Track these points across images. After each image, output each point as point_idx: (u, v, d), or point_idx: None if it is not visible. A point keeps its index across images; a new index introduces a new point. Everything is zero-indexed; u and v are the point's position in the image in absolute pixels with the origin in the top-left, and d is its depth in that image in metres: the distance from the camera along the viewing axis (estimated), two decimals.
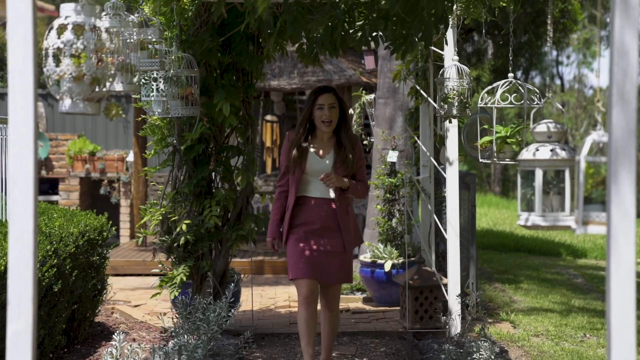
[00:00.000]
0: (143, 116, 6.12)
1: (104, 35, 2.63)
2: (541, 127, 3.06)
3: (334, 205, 4.77)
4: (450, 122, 5.89)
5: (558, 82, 31.05)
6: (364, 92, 10.09)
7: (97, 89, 2.65)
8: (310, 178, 4.77)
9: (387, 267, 7.19)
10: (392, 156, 7.49)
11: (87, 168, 11.52)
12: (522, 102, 3.59)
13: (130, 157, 11.32)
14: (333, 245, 4.76)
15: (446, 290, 6.08)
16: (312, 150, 4.78)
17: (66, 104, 2.64)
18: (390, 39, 4.27)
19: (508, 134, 3.52)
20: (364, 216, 9.73)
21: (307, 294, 4.71)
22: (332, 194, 4.77)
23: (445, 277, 6.23)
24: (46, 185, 11.73)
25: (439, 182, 7.18)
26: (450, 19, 4.44)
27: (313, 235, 4.75)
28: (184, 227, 5.65)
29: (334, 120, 4.73)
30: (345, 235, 4.76)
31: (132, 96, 6.82)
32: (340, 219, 4.76)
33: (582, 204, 2.51)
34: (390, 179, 7.60)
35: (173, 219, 5.77)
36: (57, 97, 2.64)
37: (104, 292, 6.25)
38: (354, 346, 5.96)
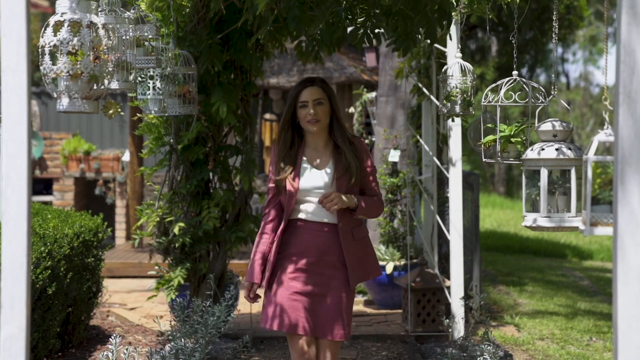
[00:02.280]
0: (139, 115, 6.12)
1: (101, 32, 2.64)
2: (546, 126, 3.07)
3: (335, 231, 3.73)
4: (453, 120, 5.90)
5: (564, 79, 31.06)
6: (365, 90, 10.10)
7: (95, 87, 2.65)
8: (306, 196, 3.74)
9: (389, 269, 7.19)
10: (394, 156, 7.50)
11: (82, 168, 11.52)
12: (527, 100, 3.60)
13: (126, 157, 11.33)
14: (334, 285, 3.72)
15: (449, 293, 6.08)
16: (305, 161, 3.80)
17: (64, 102, 2.64)
18: (392, 35, 4.27)
19: (512, 133, 3.52)
20: None
21: (300, 352, 3.73)
22: (331, 217, 3.74)
23: (448, 279, 6.23)
24: (40, 186, 11.73)
25: (442, 182, 7.19)
26: (453, 15, 4.45)
27: (306, 272, 3.70)
28: (180, 228, 5.66)
29: (322, 119, 3.74)
30: (350, 267, 3.72)
31: (128, 94, 6.82)
32: (345, 248, 3.71)
33: (589, 204, 2.51)
34: (391, 179, 7.60)
35: (169, 219, 5.78)
36: (55, 95, 2.64)
37: (99, 294, 6.26)
38: (354, 350, 5.96)
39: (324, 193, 3.68)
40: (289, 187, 3.73)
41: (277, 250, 3.74)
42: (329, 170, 3.77)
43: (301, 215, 3.76)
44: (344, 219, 3.74)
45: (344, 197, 3.68)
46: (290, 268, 3.71)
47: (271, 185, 3.82)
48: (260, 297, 3.80)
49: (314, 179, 3.76)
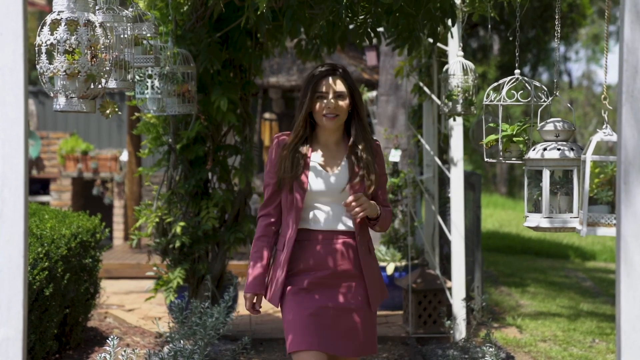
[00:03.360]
0: (137, 114, 6.12)
1: (99, 31, 2.64)
2: (549, 126, 3.07)
3: (352, 242, 3.33)
4: (454, 120, 5.89)
5: (566, 79, 31.07)
6: (365, 89, 10.10)
7: (92, 86, 2.65)
8: (315, 202, 3.33)
9: (390, 270, 7.19)
10: (395, 155, 7.50)
11: (80, 168, 11.52)
12: (529, 99, 3.60)
13: (124, 157, 11.33)
14: (351, 299, 3.34)
15: (450, 294, 6.08)
16: (314, 160, 3.37)
17: (60, 101, 2.64)
18: (393, 34, 4.27)
19: (514, 133, 3.52)
20: None
21: None
22: (348, 225, 3.33)
23: (450, 280, 6.23)
24: (37, 186, 11.74)
25: (443, 182, 7.19)
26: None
27: (321, 287, 3.32)
28: (179, 229, 5.66)
29: (341, 114, 3.32)
30: (370, 284, 3.35)
31: (126, 94, 6.83)
32: (363, 261, 3.33)
33: (586, 204, 2.51)
34: (392, 179, 7.60)
35: (168, 220, 5.78)
36: (51, 94, 2.64)
37: (97, 295, 6.26)
38: None
39: (354, 195, 3.23)
40: (297, 188, 3.30)
41: (287, 267, 3.32)
42: (342, 173, 3.34)
43: (310, 225, 3.33)
44: (362, 229, 3.35)
45: (370, 204, 3.27)
46: (303, 284, 3.31)
47: (271, 180, 3.38)
48: (259, 310, 3.43)
49: (325, 181, 3.33)
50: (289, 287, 3.33)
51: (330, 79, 3.31)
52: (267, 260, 3.39)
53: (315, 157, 3.36)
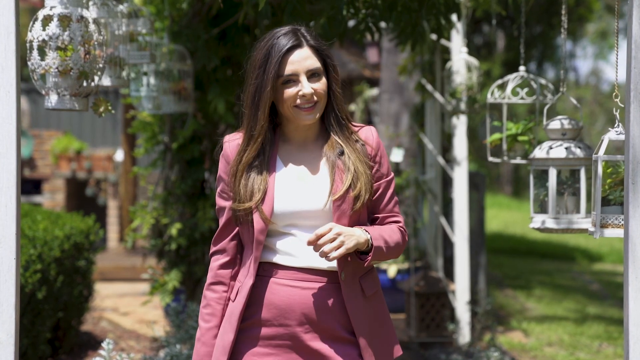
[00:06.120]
0: (132, 112, 6.12)
1: (92, 27, 2.64)
2: (555, 124, 3.07)
3: (335, 284, 2.38)
4: (458, 118, 5.89)
5: (573, 76, 31.07)
6: (367, 86, 10.11)
7: (84, 84, 2.65)
8: (285, 226, 2.38)
9: (392, 272, 7.19)
10: (397, 155, 7.50)
11: (73, 168, 11.52)
12: (535, 97, 3.60)
13: (119, 156, 11.33)
14: None
15: (454, 297, 6.08)
16: (283, 168, 2.42)
17: (52, 99, 2.64)
18: (396, 29, 4.26)
19: (519, 131, 3.52)
20: None
21: None
22: (327, 260, 2.30)
23: (453, 283, 6.23)
24: (29, 185, 11.74)
25: (446, 182, 7.19)
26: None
27: (283, 350, 2.37)
28: (175, 231, 5.66)
29: (321, 100, 2.37)
30: (366, 349, 2.39)
31: (121, 91, 6.83)
32: (352, 313, 2.37)
33: (599, 205, 2.51)
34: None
35: (164, 221, 5.78)
36: (43, 92, 2.64)
37: (91, 299, 6.26)
38: None
39: (316, 232, 2.26)
40: (257, 219, 2.36)
41: (242, 316, 2.38)
42: (321, 184, 2.39)
43: (276, 258, 2.38)
44: (348, 265, 2.37)
45: (350, 234, 2.29)
46: (261, 344, 2.37)
47: (223, 204, 2.46)
48: None
49: (299, 197, 2.38)
50: (240, 345, 2.38)
51: (297, 53, 2.34)
52: (221, 313, 2.45)
53: (286, 166, 2.42)
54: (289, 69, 2.33)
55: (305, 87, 2.33)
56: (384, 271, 7.27)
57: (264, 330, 2.37)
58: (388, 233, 2.40)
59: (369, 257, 2.34)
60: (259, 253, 2.37)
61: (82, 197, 11.93)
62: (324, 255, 2.25)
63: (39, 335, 5.05)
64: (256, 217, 2.35)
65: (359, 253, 2.35)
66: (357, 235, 2.30)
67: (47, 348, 5.26)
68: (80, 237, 5.77)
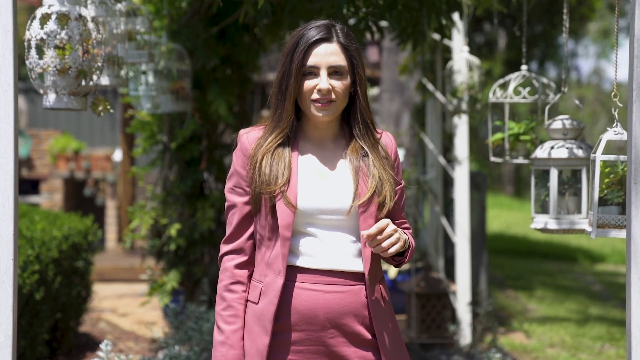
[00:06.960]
0: (131, 111, 6.12)
1: (90, 25, 2.64)
2: (556, 124, 3.07)
3: (360, 287, 2.37)
4: (459, 118, 5.90)
5: (575, 75, 31.08)
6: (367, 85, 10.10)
7: (83, 83, 2.65)
8: (306, 226, 2.35)
9: (392, 273, 7.19)
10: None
11: (71, 168, 11.53)
12: (537, 96, 3.60)
13: (117, 156, 11.33)
14: None
15: (455, 298, 6.08)
16: (305, 165, 2.41)
17: (50, 98, 2.64)
18: (397, 28, 4.26)
19: (521, 131, 3.52)
20: None
21: None
22: (356, 262, 2.36)
23: (454, 283, 6.24)
24: (27, 185, 11.74)
25: (447, 182, 7.19)
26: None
27: (309, 356, 2.36)
28: (174, 231, 5.65)
29: (339, 99, 2.36)
30: (383, 346, 2.36)
31: (119, 91, 6.84)
32: (375, 317, 2.37)
33: (596, 205, 2.51)
34: None
35: (163, 222, 5.77)
36: (41, 91, 2.64)
37: (89, 299, 6.26)
38: None
39: (377, 224, 2.25)
40: (281, 207, 2.31)
41: (274, 319, 2.34)
42: (344, 183, 2.37)
43: (297, 261, 2.34)
44: (372, 268, 2.37)
45: (401, 233, 2.33)
46: (293, 350, 2.36)
47: (238, 199, 2.41)
48: None
49: (322, 194, 2.35)
50: (272, 354, 2.34)
51: (323, 47, 2.35)
52: (242, 315, 2.39)
53: (306, 161, 2.40)
54: (312, 60, 2.34)
55: (323, 81, 2.33)
56: (385, 272, 7.27)
57: (294, 335, 2.35)
58: (410, 237, 2.44)
59: (405, 259, 2.39)
60: (286, 250, 2.32)
61: (80, 197, 11.93)
62: (383, 250, 2.26)
63: (37, 337, 5.05)
64: (280, 206, 2.31)
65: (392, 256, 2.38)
66: (403, 236, 2.33)
67: (45, 349, 5.26)
68: (79, 237, 5.77)
